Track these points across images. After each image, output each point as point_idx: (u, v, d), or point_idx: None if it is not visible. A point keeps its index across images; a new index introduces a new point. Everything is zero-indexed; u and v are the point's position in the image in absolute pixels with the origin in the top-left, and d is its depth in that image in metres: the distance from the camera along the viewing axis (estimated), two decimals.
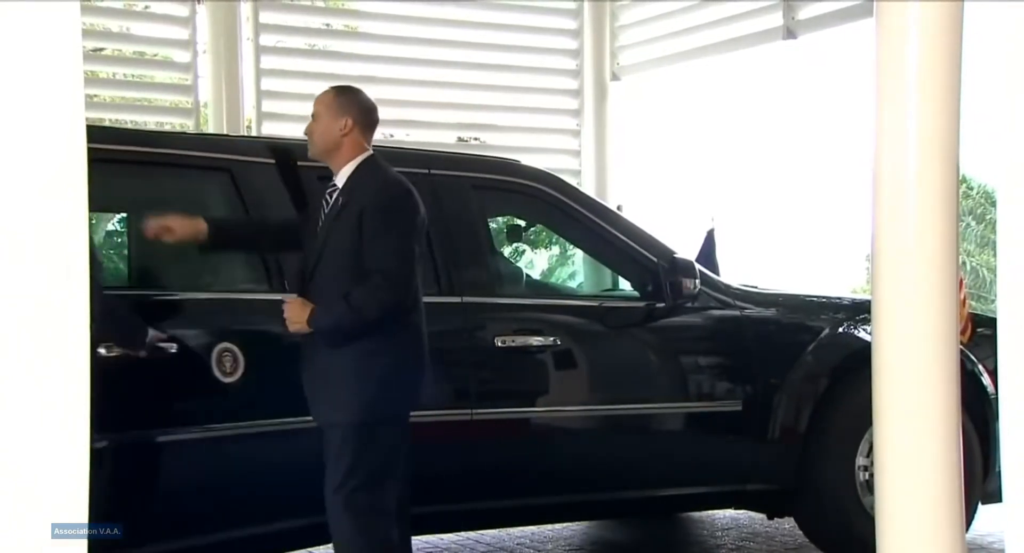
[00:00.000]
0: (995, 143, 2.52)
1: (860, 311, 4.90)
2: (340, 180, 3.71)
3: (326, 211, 3.70)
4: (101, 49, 7.96)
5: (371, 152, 3.75)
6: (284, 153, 4.17)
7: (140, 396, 3.63)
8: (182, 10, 7.42)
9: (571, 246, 5.85)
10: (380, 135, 4.11)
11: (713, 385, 4.72)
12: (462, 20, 8.40)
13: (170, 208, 3.84)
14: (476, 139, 9.65)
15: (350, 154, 3.71)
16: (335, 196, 3.69)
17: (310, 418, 3.69)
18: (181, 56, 7.70)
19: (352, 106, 3.74)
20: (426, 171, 4.27)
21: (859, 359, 4.37)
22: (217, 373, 3.74)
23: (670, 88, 12.80)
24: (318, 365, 3.63)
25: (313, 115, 3.75)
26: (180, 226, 3.74)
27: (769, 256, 18.79)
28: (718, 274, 5.14)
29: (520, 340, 4.30)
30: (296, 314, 3.60)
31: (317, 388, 3.64)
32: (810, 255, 20.77)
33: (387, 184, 3.68)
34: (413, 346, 3.67)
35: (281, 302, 3.65)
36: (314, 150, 3.77)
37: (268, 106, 7.62)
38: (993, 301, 13.01)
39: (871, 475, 4.49)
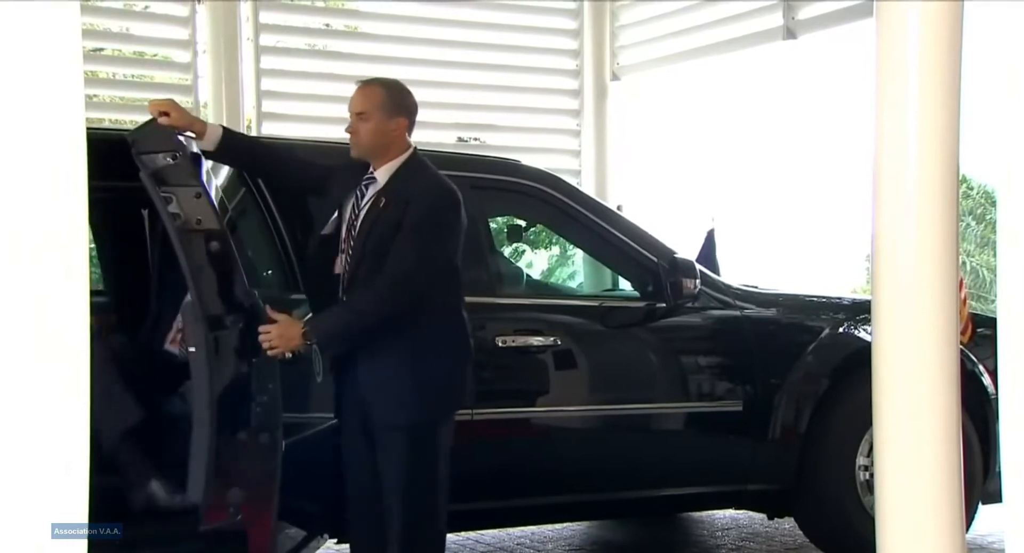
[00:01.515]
0: (995, 143, 2.51)
1: (860, 311, 4.90)
2: (381, 176, 3.63)
3: (361, 207, 3.62)
4: (101, 49, 7.96)
5: (414, 149, 3.69)
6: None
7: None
8: (182, 10, 7.42)
9: (571, 246, 5.85)
10: None
11: (713, 385, 4.71)
12: (462, 20, 8.40)
13: None
14: (476, 139, 9.65)
15: (396, 152, 3.64)
16: (376, 194, 3.61)
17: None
18: (181, 56, 7.70)
19: (404, 107, 3.66)
20: None
21: (859, 359, 4.37)
22: None
23: (670, 88, 12.77)
24: (368, 367, 3.56)
25: (359, 113, 3.62)
26: (179, 115, 3.60)
27: (769, 256, 18.77)
28: (718, 274, 5.14)
29: (520, 340, 4.30)
30: (287, 333, 3.45)
31: (372, 390, 3.57)
32: (810, 255, 20.75)
33: (436, 189, 3.61)
34: (466, 340, 3.67)
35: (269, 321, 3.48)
36: (361, 150, 3.65)
37: (268, 106, 7.62)
38: (993, 301, 13.00)
39: (871, 475, 4.48)
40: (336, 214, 3.70)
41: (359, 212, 3.62)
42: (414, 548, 3.57)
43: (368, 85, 3.69)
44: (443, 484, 3.61)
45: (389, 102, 3.64)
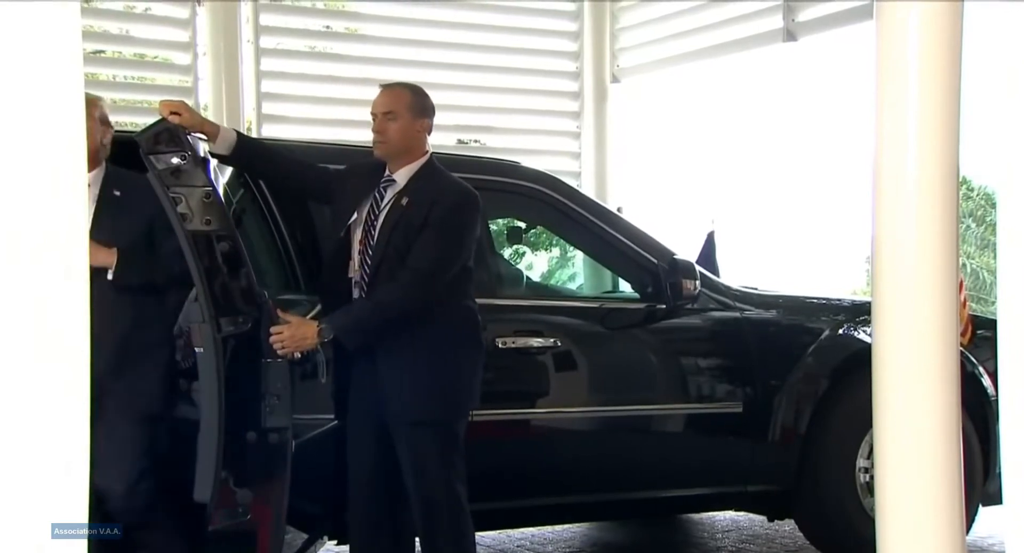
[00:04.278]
0: (995, 143, 2.51)
1: (860, 313, 4.90)
2: (401, 178, 3.69)
3: (381, 208, 3.66)
4: (101, 51, 7.97)
5: (430, 153, 3.77)
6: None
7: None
8: (182, 12, 7.43)
9: (571, 248, 5.86)
10: None
11: (713, 386, 4.71)
12: (462, 22, 8.41)
13: None
14: (476, 141, 9.65)
15: (417, 154, 3.72)
16: (396, 195, 3.65)
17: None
18: (181, 58, 7.71)
19: (429, 108, 3.78)
20: None
21: (859, 360, 4.37)
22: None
23: (670, 90, 12.83)
24: (393, 364, 3.60)
25: (387, 113, 3.69)
26: (190, 116, 3.61)
27: (769, 258, 18.79)
28: (718, 276, 5.14)
29: (521, 341, 4.30)
30: (299, 334, 3.48)
31: (397, 387, 3.61)
32: (810, 256, 20.77)
33: (459, 190, 3.69)
34: (479, 332, 3.77)
35: (280, 322, 3.51)
36: (389, 149, 3.71)
37: (268, 108, 7.63)
38: (993, 303, 13.00)
39: (871, 477, 4.49)
40: (353, 217, 3.72)
41: (379, 214, 3.66)
42: (468, 538, 3.66)
43: (395, 87, 3.78)
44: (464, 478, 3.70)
45: (416, 103, 3.74)
